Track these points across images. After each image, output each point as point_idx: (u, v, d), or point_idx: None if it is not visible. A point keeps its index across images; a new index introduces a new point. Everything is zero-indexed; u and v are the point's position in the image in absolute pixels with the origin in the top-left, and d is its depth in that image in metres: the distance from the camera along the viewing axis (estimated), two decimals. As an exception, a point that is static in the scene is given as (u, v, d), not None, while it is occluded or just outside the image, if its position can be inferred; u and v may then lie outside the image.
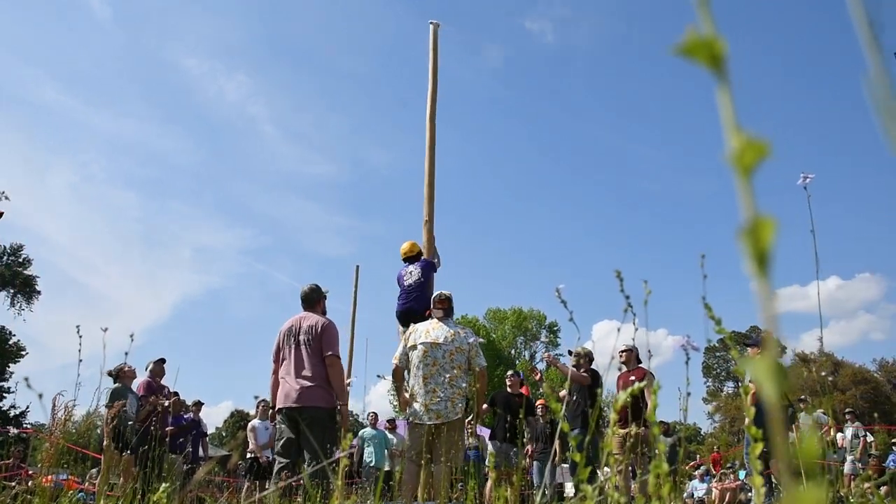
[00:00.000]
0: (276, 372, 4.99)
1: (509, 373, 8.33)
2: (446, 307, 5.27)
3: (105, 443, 6.46)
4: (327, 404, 4.74)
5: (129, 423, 6.67)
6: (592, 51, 69.60)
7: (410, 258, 6.95)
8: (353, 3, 73.36)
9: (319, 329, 4.87)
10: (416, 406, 4.94)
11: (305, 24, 72.44)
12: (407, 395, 5.07)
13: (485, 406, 7.43)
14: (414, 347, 5.07)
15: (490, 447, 7.94)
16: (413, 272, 6.80)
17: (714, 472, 14.59)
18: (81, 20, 65.89)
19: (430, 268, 6.87)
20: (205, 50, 69.73)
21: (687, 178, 67.48)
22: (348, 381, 8.20)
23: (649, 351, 1.88)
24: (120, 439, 6.46)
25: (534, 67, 70.18)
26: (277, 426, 4.96)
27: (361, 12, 72.78)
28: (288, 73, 73.32)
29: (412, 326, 5.31)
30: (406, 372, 5.16)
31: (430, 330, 5.12)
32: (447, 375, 4.93)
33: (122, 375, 7.06)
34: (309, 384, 4.73)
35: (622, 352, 7.02)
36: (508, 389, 8.07)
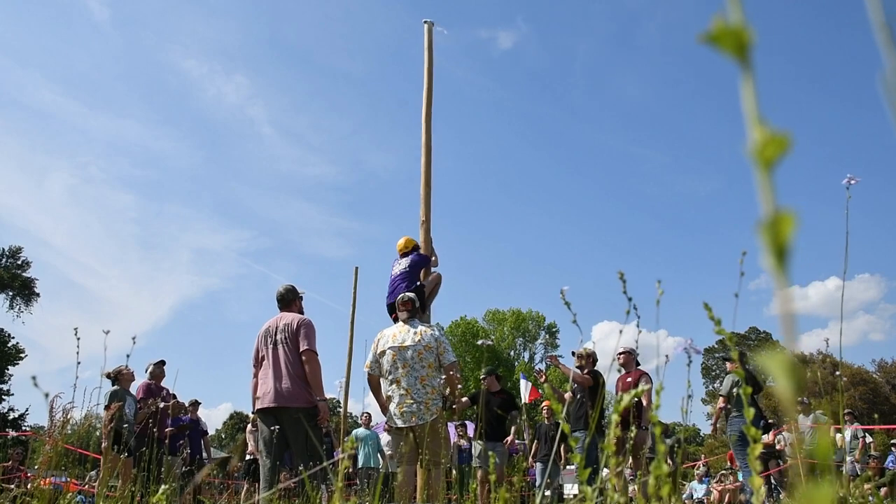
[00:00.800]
0: (256, 375, 4.97)
1: (483, 372, 8.26)
2: (410, 308, 5.30)
3: (104, 445, 6.46)
4: (307, 403, 4.71)
5: (126, 425, 6.67)
6: (591, 51, 69.63)
7: (405, 253, 6.92)
8: (352, 5, 73.38)
9: (295, 326, 4.85)
10: (392, 410, 4.98)
11: (304, 26, 72.46)
12: (385, 401, 5.11)
13: (464, 399, 7.41)
14: (383, 353, 5.11)
15: (474, 447, 7.92)
16: (402, 262, 6.79)
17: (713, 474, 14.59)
18: (79, 22, 65.83)
19: (421, 261, 6.81)
20: (203, 51, 69.73)
21: (687, 180, 67.55)
22: (339, 381, 8.24)
23: (666, 356, 1.88)
24: (118, 441, 6.45)
25: (532, 69, 70.22)
26: (259, 426, 4.96)
27: (360, 14, 72.81)
28: (286, 75, 73.31)
29: (379, 332, 5.33)
30: (380, 378, 5.20)
31: (396, 333, 5.16)
32: (419, 376, 4.96)
33: (120, 378, 7.06)
34: (287, 384, 4.70)
35: (620, 354, 7.01)
36: (485, 388, 8.06)
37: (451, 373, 5.10)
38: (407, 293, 5.43)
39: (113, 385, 7.02)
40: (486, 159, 71.11)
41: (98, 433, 7.36)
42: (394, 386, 4.99)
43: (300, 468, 4.51)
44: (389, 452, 10.87)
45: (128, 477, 6.24)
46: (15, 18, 60.64)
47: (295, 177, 70.70)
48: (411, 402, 4.90)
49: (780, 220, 0.29)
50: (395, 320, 6.44)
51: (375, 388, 5.21)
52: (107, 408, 6.48)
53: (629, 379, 6.85)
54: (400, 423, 4.92)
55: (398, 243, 7.05)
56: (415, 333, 5.09)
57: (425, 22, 8.03)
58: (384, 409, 5.12)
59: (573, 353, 7.10)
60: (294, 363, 4.76)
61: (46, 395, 1.89)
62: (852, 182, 2.61)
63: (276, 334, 4.89)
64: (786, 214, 0.29)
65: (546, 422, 9.71)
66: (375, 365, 5.17)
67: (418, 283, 6.63)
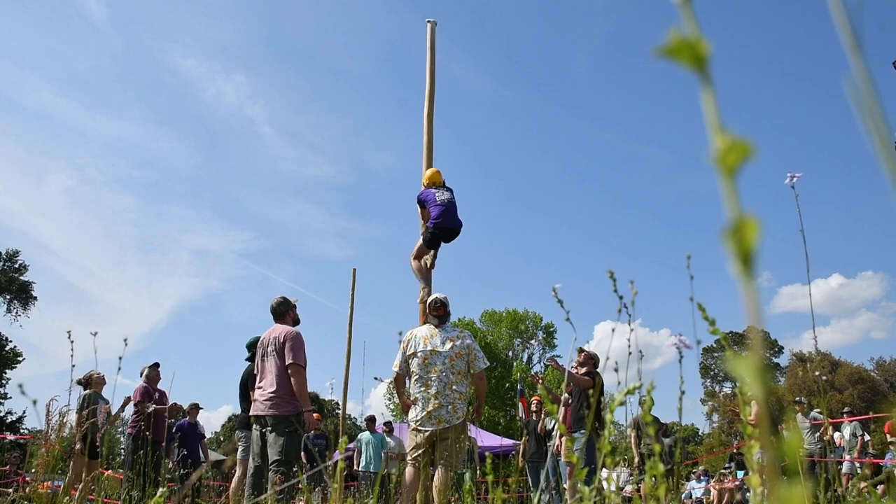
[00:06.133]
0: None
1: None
2: (442, 314, 5.30)
3: (76, 448, 6.48)
4: (290, 412, 4.95)
5: (94, 429, 6.68)
6: (591, 49, 69.70)
7: (436, 185, 6.67)
8: (352, 4, 73.39)
9: (282, 340, 5.10)
10: (418, 412, 4.99)
11: (304, 25, 72.49)
12: (409, 401, 5.14)
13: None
14: (414, 355, 5.13)
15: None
16: (445, 193, 6.48)
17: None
18: (77, 21, 65.80)
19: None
20: (203, 51, 69.67)
21: (689, 176, 67.42)
22: (330, 382, 8.37)
23: (641, 352, 1.89)
24: (89, 445, 6.49)
25: (532, 67, 70.24)
26: (253, 433, 5.23)
27: (360, 13, 72.80)
28: (286, 74, 73.26)
29: (409, 333, 5.31)
30: (407, 378, 5.22)
31: (427, 337, 5.17)
32: (448, 381, 4.99)
33: (91, 382, 7.10)
34: (273, 394, 4.98)
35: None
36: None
37: (480, 380, 5.15)
38: (439, 296, 5.40)
39: (85, 390, 7.05)
40: (484, 158, 71.06)
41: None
42: (422, 389, 5.02)
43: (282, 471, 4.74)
44: (389, 454, 10.88)
45: (90, 478, 6.32)
46: (12, 18, 60.66)
47: (294, 177, 70.63)
48: (439, 405, 4.94)
49: (744, 225, 0.30)
50: (436, 245, 6.35)
51: (400, 388, 5.27)
52: (78, 412, 6.51)
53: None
54: (429, 427, 4.94)
55: (430, 173, 6.79)
56: (447, 339, 5.12)
57: (428, 21, 8.03)
58: (406, 409, 5.17)
59: (580, 351, 7.07)
60: (281, 374, 5.03)
61: (35, 403, 1.89)
62: (794, 179, 2.61)
63: (267, 346, 5.19)
64: (750, 220, 0.30)
65: (534, 418, 9.69)
66: (404, 365, 5.19)
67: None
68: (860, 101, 0.33)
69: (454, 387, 4.98)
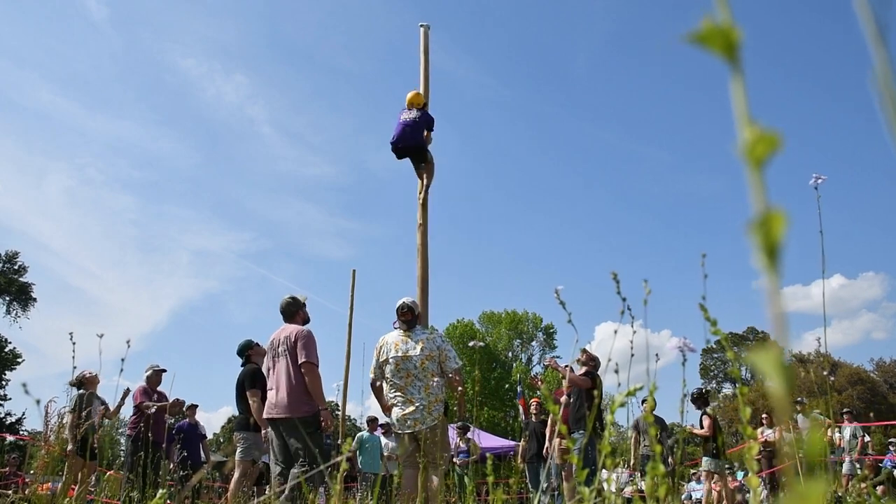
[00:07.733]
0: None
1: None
2: (409, 318, 5.31)
3: (69, 448, 6.46)
4: (306, 412, 4.92)
5: (87, 428, 6.68)
6: (592, 48, 69.71)
7: (413, 107, 7.16)
8: (352, 4, 73.43)
9: (294, 339, 5.07)
10: (395, 417, 5.07)
11: (304, 25, 72.51)
12: (388, 404, 5.21)
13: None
14: (386, 362, 5.18)
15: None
16: (413, 113, 7.02)
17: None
18: (78, 22, 65.82)
19: (431, 120, 7.11)
20: (203, 50, 69.70)
21: (689, 178, 67.50)
22: (338, 384, 8.31)
23: (657, 355, 1.88)
24: (84, 445, 6.48)
25: (530, 66, 70.25)
26: (265, 435, 5.24)
27: (360, 12, 72.83)
28: (286, 74, 73.30)
29: (381, 340, 5.35)
30: (384, 383, 5.27)
31: (398, 343, 5.20)
32: (421, 384, 5.04)
33: (85, 382, 7.08)
34: (287, 395, 4.94)
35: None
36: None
37: (456, 379, 5.16)
38: (406, 301, 5.38)
39: (79, 390, 7.03)
40: (484, 158, 71.12)
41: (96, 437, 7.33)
42: (398, 394, 5.07)
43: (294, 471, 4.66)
44: (387, 454, 10.87)
45: (86, 479, 6.29)
46: (12, 18, 60.66)
47: (294, 177, 70.68)
48: (414, 409, 4.98)
49: (771, 219, 0.29)
50: (400, 157, 6.91)
51: (378, 394, 5.30)
52: (71, 412, 6.48)
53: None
54: (403, 430, 5.01)
55: (410, 95, 7.24)
56: (417, 343, 5.14)
57: (421, 25, 8.01)
58: (386, 410, 5.23)
59: (583, 351, 7.06)
60: (294, 374, 4.98)
61: (38, 402, 1.88)
62: (819, 180, 2.61)
63: (278, 346, 5.14)
64: (777, 213, 0.29)
65: (534, 419, 9.69)
66: (379, 372, 5.25)
67: (424, 140, 7.02)
68: (884, 96, 0.33)
69: (429, 389, 5.02)
